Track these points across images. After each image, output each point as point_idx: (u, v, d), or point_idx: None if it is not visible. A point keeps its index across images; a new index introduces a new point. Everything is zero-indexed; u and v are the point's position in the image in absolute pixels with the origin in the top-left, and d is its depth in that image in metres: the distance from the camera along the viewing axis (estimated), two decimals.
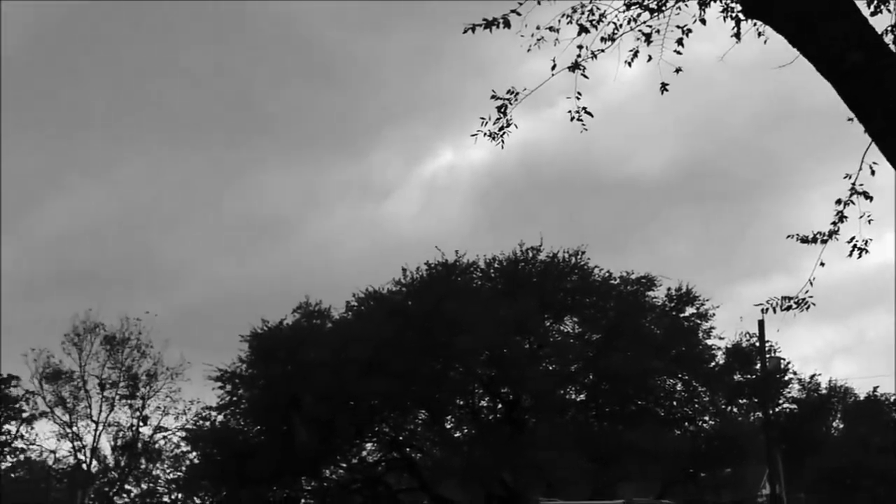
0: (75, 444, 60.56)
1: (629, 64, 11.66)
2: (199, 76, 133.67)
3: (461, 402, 43.63)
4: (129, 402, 59.99)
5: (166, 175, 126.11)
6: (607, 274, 43.40)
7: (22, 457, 65.63)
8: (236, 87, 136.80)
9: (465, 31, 11.11)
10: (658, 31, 11.32)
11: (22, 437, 63.92)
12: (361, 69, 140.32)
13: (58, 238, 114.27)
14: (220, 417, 45.62)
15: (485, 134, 12.02)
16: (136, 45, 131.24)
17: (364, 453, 45.32)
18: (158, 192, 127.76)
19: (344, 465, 45.28)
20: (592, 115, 11.90)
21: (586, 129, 11.88)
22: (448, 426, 44.82)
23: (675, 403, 44.23)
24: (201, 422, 48.64)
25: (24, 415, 63.41)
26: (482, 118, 11.93)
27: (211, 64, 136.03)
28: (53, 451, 62.44)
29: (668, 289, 43.83)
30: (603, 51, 11.55)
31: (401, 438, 44.37)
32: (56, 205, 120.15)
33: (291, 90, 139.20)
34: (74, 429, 60.42)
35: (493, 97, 11.77)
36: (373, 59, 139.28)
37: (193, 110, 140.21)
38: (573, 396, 43.88)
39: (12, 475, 68.13)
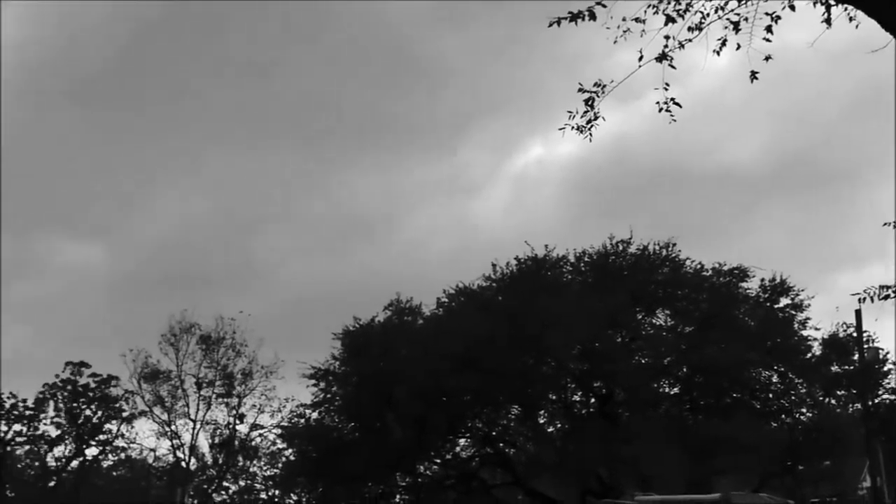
0: (174, 442, 61.64)
1: (717, 53, 11.56)
2: (292, 78, 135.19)
3: (553, 397, 43.51)
4: (225, 400, 60.90)
5: (260, 176, 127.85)
6: (699, 266, 42.97)
7: (123, 455, 67.01)
8: (326, 87, 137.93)
9: (550, 25, 11.13)
10: (746, 19, 11.22)
11: (122, 435, 65.33)
12: (448, 66, 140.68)
13: (155, 240, 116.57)
14: (314, 415, 46.11)
15: (572, 127, 12.03)
16: (228, 47, 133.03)
17: (457, 449, 45.47)
18: (252, 193, 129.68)
19: (437, 460, 45.46)
20: (681, 106, 11.85)
21: (675, 120, 11.83)
22: (541, 421, 44.77)
23: (770, 395, 43.53)
24: (296, 419, 49.17)
25: (125, 414, 64.80)
26: (569, 112, 11.94)
27: (302, 65, 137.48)
28: (153, 450, 63.65)
29: (762, 280, 43.19)
30: (690, 40, 11.49)
31: (494, 434, 44.42)
32: (153, 207, 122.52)
33: (380, 90, 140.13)
34: (173, 427, 61.48)
35: (580, 90, 11.79)
36: (459, 55, 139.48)
37: (285, 111, 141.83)
38: (667, 390, 43.46)
39: (114, 473, 69.60)
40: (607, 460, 38.82)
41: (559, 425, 44.44)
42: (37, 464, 67.93)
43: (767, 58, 11.38)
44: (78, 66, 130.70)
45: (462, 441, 45.31)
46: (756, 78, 11.62)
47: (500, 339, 38.23)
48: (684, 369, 42.39)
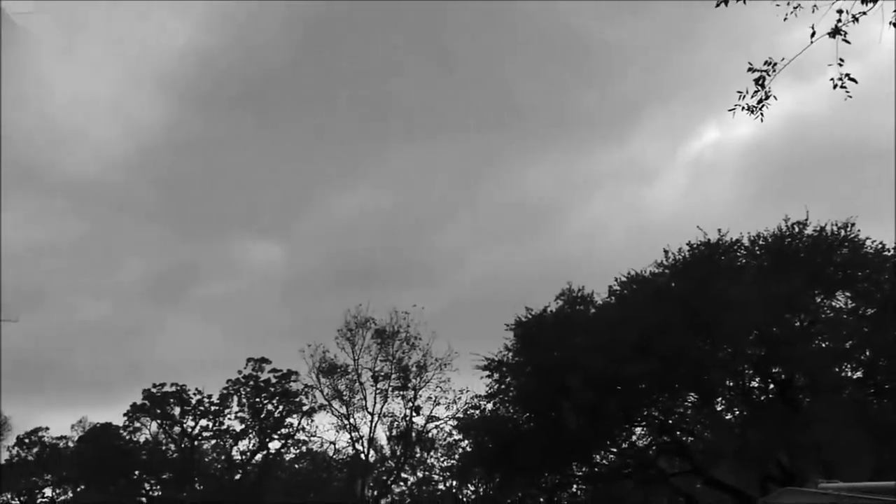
0: (353, 434, 62.81)
1: (894, 25, 11.27)
2: (469, 71, 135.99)
3: (731, 384, 42.66)
4: (401, 393, 61.75)
5: (435, 171, 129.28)
6: (880, 245, 41.42)
7: (304, 448, 68.72)
8: (497, 79, 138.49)
9: (717, 5, 11.05)
10: None
11: (303, 429, 67.05)
12: (617, 53, 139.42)
13: (331, 237, 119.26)
14: (489, 406, 46.47)
15: (743, 108, 11.88)
16: (397, 41, 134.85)
17: (633, 437, 45.11)
18: (427, 187, 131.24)
19: (614, 449, 45.21)
20: (856, 82, 11.57)
21: (850, 97, 11.57)
22: (718, 408, 43.98)
23: None
24: (471, 410, 49.64)
25: (304, 408, 66.52)
26: (739, 92, 11.81)
27: (479, 59, 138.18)
28: (333, 442, 64.96)
29: None
30: (865, 13, 11.21)
31: (670, 422, 43.91)
32: (330, 205, 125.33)
33: (550, 79, 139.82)
34: (351, 420, 62.68)
35: (749, 70, 11.64)
36: (628, 42, 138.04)
37: (455, 104, 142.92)
38: (849, 374, 42.10)
39: (296, 466, 71.43)
40: (788, 447, 37.97)
41: (737, 412, 43.57)
42: (223, 457, 70.33)
43: None
44: (251, 70, 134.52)
45: (638, 430, 44.93)
46: None
47: (674, 326, 37.82)
48: (867, 353, 40.99)
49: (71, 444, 74.07)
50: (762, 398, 42.62)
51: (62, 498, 73.65)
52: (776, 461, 39.05)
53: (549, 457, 41.63)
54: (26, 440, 74.86)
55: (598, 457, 45.75)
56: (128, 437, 69.91)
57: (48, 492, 74.33)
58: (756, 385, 43.01)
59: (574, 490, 48.82)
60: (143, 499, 69.65)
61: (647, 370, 37.74)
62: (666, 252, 42.39)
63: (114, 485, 68.18)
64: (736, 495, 41.19)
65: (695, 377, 40.19)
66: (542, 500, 49.09)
